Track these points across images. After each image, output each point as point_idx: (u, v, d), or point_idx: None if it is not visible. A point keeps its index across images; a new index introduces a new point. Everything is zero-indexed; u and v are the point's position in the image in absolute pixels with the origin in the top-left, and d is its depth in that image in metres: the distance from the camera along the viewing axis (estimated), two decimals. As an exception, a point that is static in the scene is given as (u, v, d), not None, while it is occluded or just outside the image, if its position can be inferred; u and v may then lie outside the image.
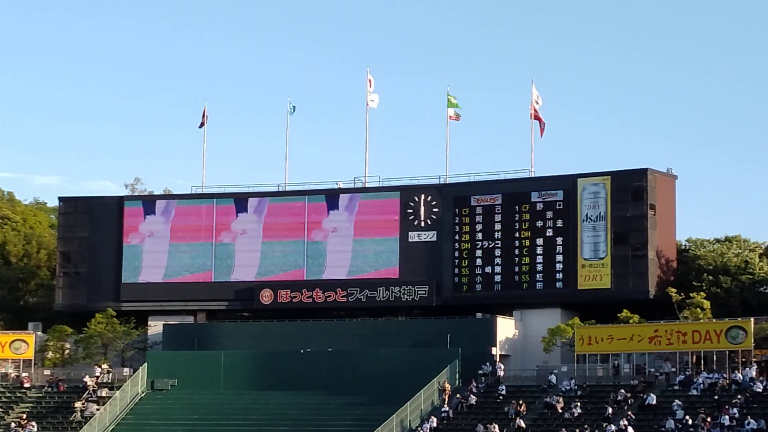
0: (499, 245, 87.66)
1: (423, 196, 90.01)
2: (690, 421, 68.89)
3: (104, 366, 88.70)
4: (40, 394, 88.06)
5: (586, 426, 71.43)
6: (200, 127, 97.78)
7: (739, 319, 77.18)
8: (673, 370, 76.82)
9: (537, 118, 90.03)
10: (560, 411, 74.64)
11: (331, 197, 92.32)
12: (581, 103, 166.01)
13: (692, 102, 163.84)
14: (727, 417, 68.40)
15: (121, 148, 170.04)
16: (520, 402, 75.99)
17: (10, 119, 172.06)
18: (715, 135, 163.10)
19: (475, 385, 79.81)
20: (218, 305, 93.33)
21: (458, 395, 78.96)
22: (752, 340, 74.89)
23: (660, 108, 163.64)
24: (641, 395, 74.18)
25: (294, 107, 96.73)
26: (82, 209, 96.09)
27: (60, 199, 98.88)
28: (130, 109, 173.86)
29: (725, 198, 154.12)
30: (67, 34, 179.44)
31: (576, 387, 76.93)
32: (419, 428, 75.92)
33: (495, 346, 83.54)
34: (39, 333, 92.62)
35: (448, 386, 79.20)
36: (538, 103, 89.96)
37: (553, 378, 78.78)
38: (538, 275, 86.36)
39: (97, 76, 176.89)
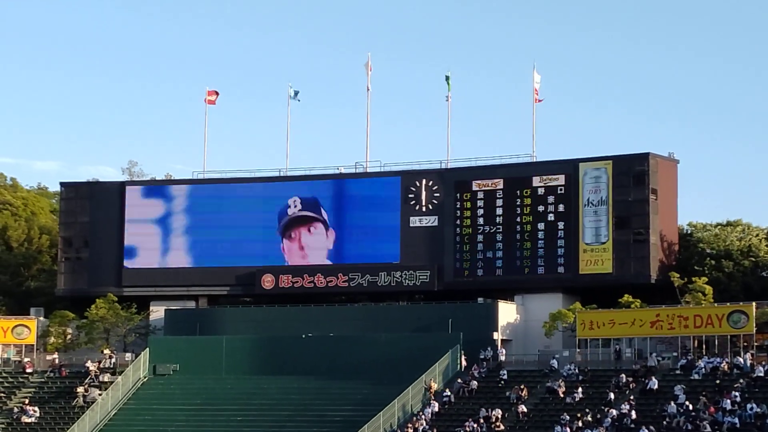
0: (501, 230, 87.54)
1: (424, 181, 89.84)
2: (691, 406, 68.86)
3: (106, 351, 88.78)
4: (43, 380, 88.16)
5: (587, 410, 71.43)
6: (212, 103, 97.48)
7: (741, 303, 77.01)
8: (670, 354, 76.73)
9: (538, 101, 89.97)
10: (562, 396, 74.68)
11: (333, 182, 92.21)
12: (583, 87, 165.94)
13: (694, 86, 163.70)
14: (728, 401, 68.37)
15: (121, 133, 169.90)
16: (522, 387, 76.03)
17: (10, 104, 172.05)
18: (717, 119, 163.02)
19: (476, 369, 79.84)
20: (220, 290, 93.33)
21: (459, 380, 78.99)
22: (754, 325, 74.86)
23: (661, 92, 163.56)
24: (643, 380, 74.15)
25: (296, 92, 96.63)
26: (83, 194, 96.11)
27: (61, 184, 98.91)
28: (130, 94, 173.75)
29: (727, 182, 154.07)
30: (67, 18, 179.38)
31: (577, 371, 76.92)
32: (420, 413, 75.98)
33: (496, 330, 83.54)
34: (41, 318, 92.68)
35: (434, 385, 78.87)
36: (537, 83, 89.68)
37: (554, 363, 78.77)
38: (539, 260, 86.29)
39: (97, 60, 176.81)
